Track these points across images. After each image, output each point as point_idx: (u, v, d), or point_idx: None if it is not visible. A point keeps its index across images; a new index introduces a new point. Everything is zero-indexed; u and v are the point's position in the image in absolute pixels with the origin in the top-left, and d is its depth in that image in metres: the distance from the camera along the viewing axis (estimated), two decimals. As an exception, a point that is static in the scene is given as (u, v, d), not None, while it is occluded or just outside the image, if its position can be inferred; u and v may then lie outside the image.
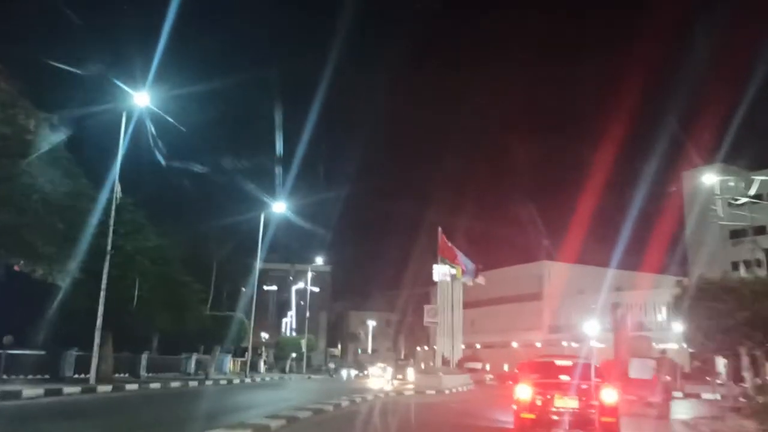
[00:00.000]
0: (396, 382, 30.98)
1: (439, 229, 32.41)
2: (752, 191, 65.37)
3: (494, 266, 70.78)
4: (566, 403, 11.71)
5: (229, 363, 41.30)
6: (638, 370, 23.18)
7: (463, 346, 57.66)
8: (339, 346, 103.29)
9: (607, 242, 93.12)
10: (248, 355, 36.90)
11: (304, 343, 56.83)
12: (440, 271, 32.45)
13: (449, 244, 33.04)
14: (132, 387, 22.97)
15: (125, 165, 23.07)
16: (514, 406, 12.28)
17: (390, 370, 38.45)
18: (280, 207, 37.34)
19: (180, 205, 38.35)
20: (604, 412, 11.50)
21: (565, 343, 63.82)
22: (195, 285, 28.49)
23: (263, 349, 59.73)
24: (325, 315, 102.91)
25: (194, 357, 35.18)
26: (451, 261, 33.30)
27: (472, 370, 49.31)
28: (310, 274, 62.31)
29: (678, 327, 51.39)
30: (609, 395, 11.63)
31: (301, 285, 66.81)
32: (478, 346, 73.94)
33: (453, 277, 34.83)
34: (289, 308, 78.69)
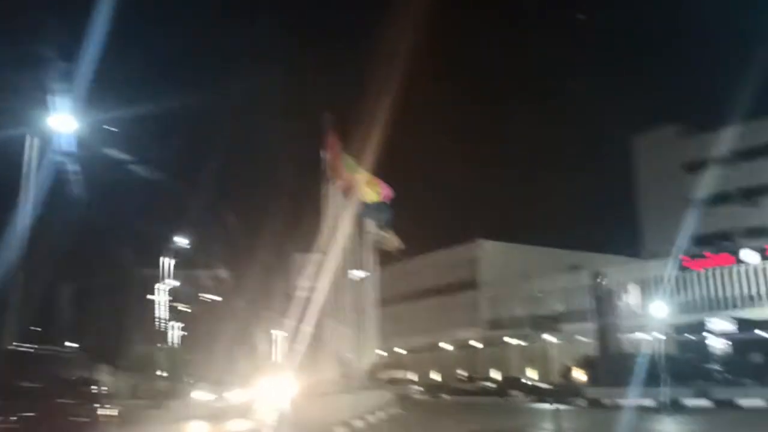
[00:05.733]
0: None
1: (325, 115, 17.29)
2: (714, 153, 54.95)
3: (417, 252, 57.49)
4: None
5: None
6: None
7: (383, 353, 43.65)
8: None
9: (551, 219, 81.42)
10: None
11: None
12: (334, 196, 17.43)
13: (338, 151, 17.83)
14: None
15: None
16: None
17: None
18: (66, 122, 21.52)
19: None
20: None
21: (510, 341, 50.40)
22: None
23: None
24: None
25: None
26: (346, 180, 18.43)
27: (394, 382, 35.89)
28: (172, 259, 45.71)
29: (658, 311, 38.86)
30: None
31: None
32: (401, 351, 59.76)
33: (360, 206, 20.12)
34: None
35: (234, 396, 21.75)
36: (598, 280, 31.74)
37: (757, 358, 32.47)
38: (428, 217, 68.59)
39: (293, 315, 21.00)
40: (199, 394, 23.16)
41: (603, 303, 30.92)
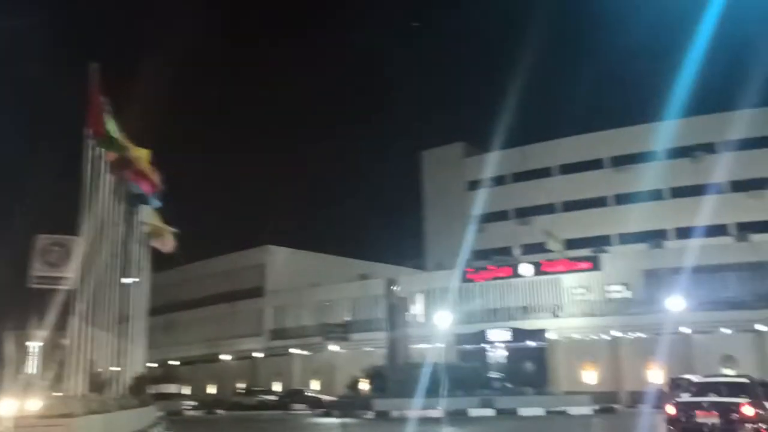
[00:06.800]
0: None
1: (93, 66, 13.64)
2: (490, 174, 58.30)
3: (199, 256, 53.39)
4: (707, 419, 12.36)
5: None
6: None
7: (155, 365, 39.32)
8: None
9: (341, 228, 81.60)
10: None
11: None
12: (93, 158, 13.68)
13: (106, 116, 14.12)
14: None
15: None
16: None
17: None
18: None
19: None
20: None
21: (295, 351, 48.22)
22: None
23: None
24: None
25: None
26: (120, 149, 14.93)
27: (163, 397, 32.10)
28: None
29: (442, 321, 39.26)
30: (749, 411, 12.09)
31: None
32: (176, 363, 55.01)
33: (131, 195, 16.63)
34: None
35: None
36: (393, 288, 30.83)
37: (529, 366, 33.81)
38: (212, 220, 64.71)
39: (40, 316, 16.95)
40: None
41: (395, 312, 30.01)
